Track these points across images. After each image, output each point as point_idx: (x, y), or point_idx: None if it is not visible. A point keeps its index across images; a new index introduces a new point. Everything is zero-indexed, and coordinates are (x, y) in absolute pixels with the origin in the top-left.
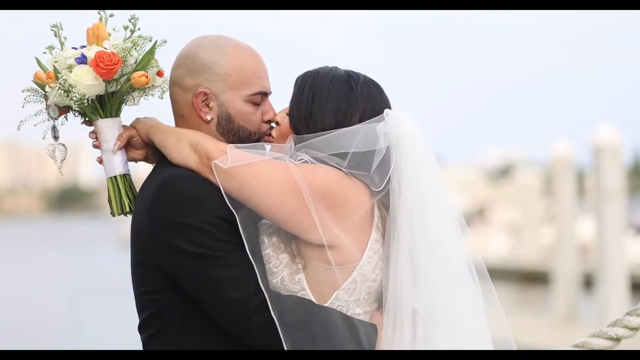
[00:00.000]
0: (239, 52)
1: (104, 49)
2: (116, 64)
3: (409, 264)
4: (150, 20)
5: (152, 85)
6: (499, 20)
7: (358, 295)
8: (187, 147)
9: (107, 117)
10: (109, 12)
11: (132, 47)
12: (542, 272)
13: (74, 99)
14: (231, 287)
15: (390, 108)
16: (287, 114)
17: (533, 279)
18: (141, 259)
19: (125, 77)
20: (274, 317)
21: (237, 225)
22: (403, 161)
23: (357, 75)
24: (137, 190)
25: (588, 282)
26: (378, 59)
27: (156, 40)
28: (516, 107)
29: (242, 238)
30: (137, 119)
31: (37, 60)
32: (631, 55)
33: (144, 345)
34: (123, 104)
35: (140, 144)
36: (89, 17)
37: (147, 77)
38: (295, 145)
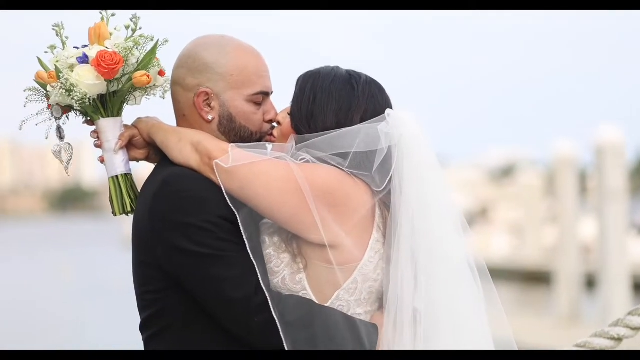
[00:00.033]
0: (240, 52)
1: (106, 49)
2: (118, 64)
3: (410, 264)
4: (150, 20)
5: (154, 85)
6: (499, 20)
7: (359, 295)
8: (188, 147)
9: (108, 116)
10: (110, 11)
11: (133, 47)
12: (545, 272)
13: (76, 98)
14: (232, 286)
15: (391, 108)
16: (289, 114)
17: (535, 278)
18: (142, 259)
19: (127, 76)
20: (274, 316)
21: (239, 224)
22: (404, 161)
23: (359, 75)
24: (139, 189)
25: (590, 282)
26: (378, 59)
27: (158, 40)
28: (516, 108)
29: (243, 237)
30: (139, 118)
31: (39, 59)
32: (631, 55)
33: (145, 345)
34: (125, 104)
35: (142, 143)
36: (89, 17)
37: (148, 76)
38: (296, 145)
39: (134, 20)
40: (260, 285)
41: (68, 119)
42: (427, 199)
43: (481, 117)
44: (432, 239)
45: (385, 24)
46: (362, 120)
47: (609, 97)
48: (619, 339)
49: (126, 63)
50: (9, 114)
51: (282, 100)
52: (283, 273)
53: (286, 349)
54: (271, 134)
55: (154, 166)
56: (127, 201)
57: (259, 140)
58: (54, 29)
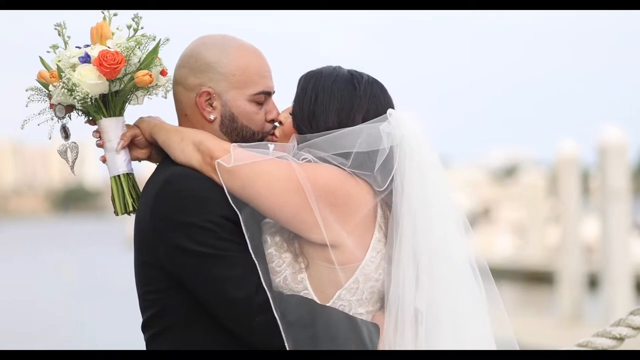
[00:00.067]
0: (242, 52)
1: (108, 48)
2: (120, 63)
3: (412, 264)
4: (150, 20)
5: (156, 85)
6: (499, 20)
7: (360, 295)
8: (190, 146)
9: (110, 116)
10: (112, 11)
11: (135, 46)
12: (547, 272)
13: (77, 98)
14: (234, 286)
15: (393, 108)
16: (290, 114)
17: (538, 278)
18: (144, 258)
19: (129, 76)
20: (276, 316)
21: (240, 224)
22: (406, 161)
23: (361, 74)
24: (141, 189)
25: (593, 282)
26: (378, 59)
27: (160, 39)
28: (516, 108)
29: (245, 237)
30: (141, 118)
31: (41, 59)
32: (631, 55)
33: (147, 344)
34: (127, 103)
35: (144, 143)
36: (91, 16)
37: (150, 76)
38: (298, 144)
39: (135, 19)
40: (262, 285)
41: (70, 118)
42: (428, 198)
43: (481, 117)
44: (434, 239)
45: (385, 24)
46: (364, 120)
47: (609, 97)
48: (620, 339)
49: (128, 63)
50: (11, 114)
51: (282, 100)
52: (285, 273)
53: (287, 348)
54: (273, 134)
55: (155, 166)
56: (129, 201)
57: (261, 140)
58: (56, 29)
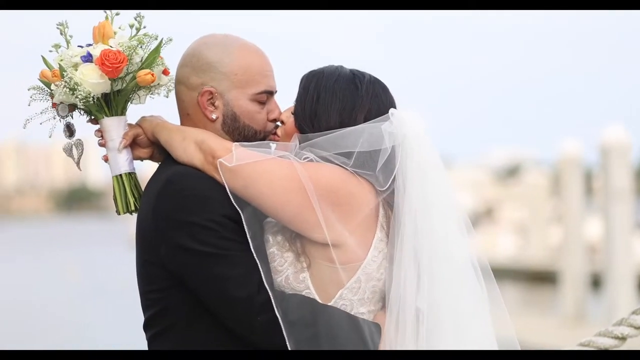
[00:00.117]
0: (244, 51)
1: (110, 47)
2: (122, 62)
3: (413, 263)
4: (150, 20)
5: (158, 84)
6: (499, 20)
7: (362, 295)
8: (192, 146)
9: (112, 115)
10: (115, 10)
11: (137, 46)
12: (550, 272)
13: (79, 97)
14: (236, 285)
15: (395, 107)
16: (292, 113)
17: (541, 278)
18: (146, 257)
19: (131, 75)
20: (278, 315)
21: (242, 223)
22: (408, 161)
23: (363, 74)
24: (143, 188)
25: (596, 282)
26: (378, 59)
27: (162, 39)
28: (516, 108)
29: (247, 237)
30: (143, 117)
31: (43, 58)
32: (631, 55)
33: (148, 344)
34: (129, 103)
35: (146, 142)
36: (92, 16)
37: (152, 75)
38: (300, 144)
39: (138, 19)
40: (264, 284)
41: (72, 117)
42: (430, 198)
43: (481, 118)
44: (435, 239)
45: (385, 24)
46: (365, 120)
47: (610, 97)
48: (623, 338)
49: (130, 62)
50: (13, 114)
51: (282, 100)
52: (286, 272)
53: (289, 348)
54: (275, 133)
55: (157, 165)
56: (131, 200)
57: (263, 139)
58: (58, 28)
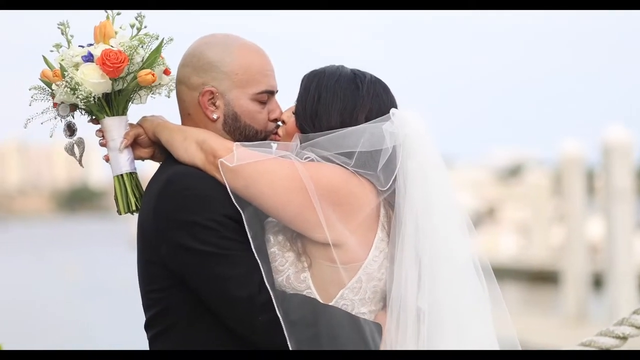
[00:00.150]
0: (245, 51)
1: (111, 47)
2: (122, 62)
3: (414, 263)
4: (151, 20)
5: (159, 84)
6: (499, 20)
7: (363, 294)
8: (193, 145)
9: (113, 115)
10: (115, 10)
11: (138, 45)
12: (552, 272)
13: (80, 97)
14: (236, 285)
15: (396, 107)
16: (293, 113)
17: (542, 278)
18: (147, 257)
19: (132, 75)
20: (278, 315)
21: (243, 223)
22: (409, 161)
23: (364, 74)
24: (144, 188)
25: (597, 282)
26: (378, 59)
27: (163, 39)
28: (516, 108)
29: (248, 236)
30: (144, 117)
31: (44, 58)
32: (631, 55)
33: (149, 343)
34: (130, 102)
35: (147, 142)
36: (92, 16)
37: (153, 75)
38: (301, 144)
39: (139, 18)
40: (265, 284)
41: (73, 117)
42: (431, 198)
43: (481, 118)
44: (436, 239)
45: (385, 24)
46: (366, 120)
47: (610, 97)
48: (624, 338)
49: (131, 62)
50: (15, 115)
51: (282, 100)
52: (287, 272)
53: (290, 347)
54: (276, 133)
55: (159, 165)
56: (132, 200)
57: (264, 139)
58: (59, 28)
